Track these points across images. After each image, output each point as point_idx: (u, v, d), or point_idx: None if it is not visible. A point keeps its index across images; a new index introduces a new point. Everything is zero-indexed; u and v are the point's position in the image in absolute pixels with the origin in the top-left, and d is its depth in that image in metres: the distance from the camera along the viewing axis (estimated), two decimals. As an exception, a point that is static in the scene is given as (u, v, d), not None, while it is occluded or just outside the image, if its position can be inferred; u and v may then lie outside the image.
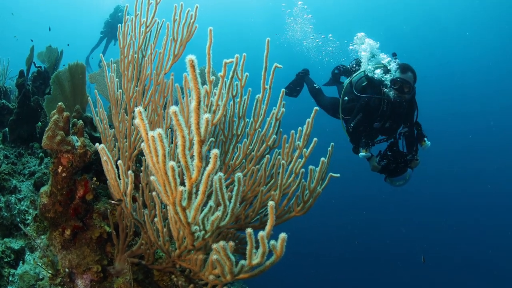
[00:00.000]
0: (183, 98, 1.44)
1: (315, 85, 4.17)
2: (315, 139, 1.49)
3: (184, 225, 1.00)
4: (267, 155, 1.57)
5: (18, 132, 2.52)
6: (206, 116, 0.72)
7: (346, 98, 3.45)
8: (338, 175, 1.49)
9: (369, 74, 3.25)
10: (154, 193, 1.30)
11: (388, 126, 3.16)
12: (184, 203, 0.93)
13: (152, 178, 1.00)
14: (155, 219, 1.31)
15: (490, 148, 20.81)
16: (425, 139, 3.20)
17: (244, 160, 1.56)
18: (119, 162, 1.25)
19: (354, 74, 3.46)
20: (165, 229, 1.36)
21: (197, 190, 0.91)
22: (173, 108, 0.70)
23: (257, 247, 0.89)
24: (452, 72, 23.46)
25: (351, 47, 3.89)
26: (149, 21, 1.69)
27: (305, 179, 1.50)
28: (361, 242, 15.79)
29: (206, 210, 1.06)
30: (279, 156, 1.56)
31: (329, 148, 1.50)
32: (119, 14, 7.50)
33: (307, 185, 1.43)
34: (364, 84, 3.25)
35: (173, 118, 0.72)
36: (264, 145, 1.58)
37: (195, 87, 0.72)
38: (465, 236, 17.40)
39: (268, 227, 0.81)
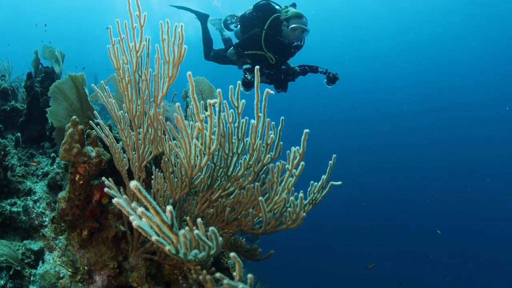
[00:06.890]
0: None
1: None
2: (302, 163, 1.63)
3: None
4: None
5: (29, 133, 2.66)
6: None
7: None
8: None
9: None
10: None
11: None
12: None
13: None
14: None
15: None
16: None
17: (245, 172, 1.73)
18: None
19: None
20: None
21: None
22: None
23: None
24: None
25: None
26: (137, 46, 1.69)
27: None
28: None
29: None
30: (269, 177, 1.71)
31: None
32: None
33: (292, 211, 1.62)
34: None
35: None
36: (260, 163, 1.72)
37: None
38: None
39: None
